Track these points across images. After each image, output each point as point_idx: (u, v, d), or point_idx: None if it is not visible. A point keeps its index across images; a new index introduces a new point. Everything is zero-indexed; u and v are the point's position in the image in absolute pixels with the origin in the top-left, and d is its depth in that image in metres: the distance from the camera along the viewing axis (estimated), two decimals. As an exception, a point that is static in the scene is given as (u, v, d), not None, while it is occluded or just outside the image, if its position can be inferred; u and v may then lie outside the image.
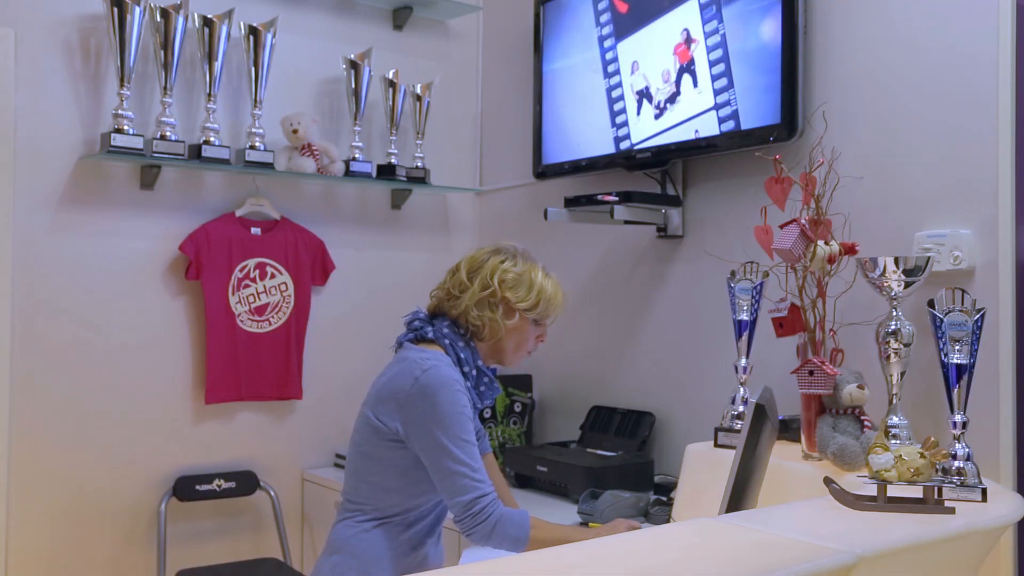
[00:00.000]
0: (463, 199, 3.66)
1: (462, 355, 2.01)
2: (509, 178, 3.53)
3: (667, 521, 2.38)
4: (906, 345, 1.93)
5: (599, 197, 2.76)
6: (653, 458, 2.83)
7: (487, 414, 3.13)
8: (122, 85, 2.79)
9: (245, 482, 3.11)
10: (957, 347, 1.73)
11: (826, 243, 2.07)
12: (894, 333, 1.93)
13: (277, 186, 3.21)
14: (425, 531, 2.04)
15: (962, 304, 1.73)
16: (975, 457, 1.74)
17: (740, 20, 2.54)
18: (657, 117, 2.78)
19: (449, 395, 1.92)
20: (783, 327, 2.15)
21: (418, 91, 3.36)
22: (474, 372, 2.03)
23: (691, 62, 2.66)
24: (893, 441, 1.89)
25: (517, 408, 3.22)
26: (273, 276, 3.14)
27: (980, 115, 2.11)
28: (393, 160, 3.31)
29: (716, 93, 2.61)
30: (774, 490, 1.95)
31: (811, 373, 2.01)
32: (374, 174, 3.28)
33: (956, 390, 1.74)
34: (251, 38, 2.99)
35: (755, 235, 2.20)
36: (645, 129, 2.82)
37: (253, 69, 3.02)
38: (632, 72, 2.84)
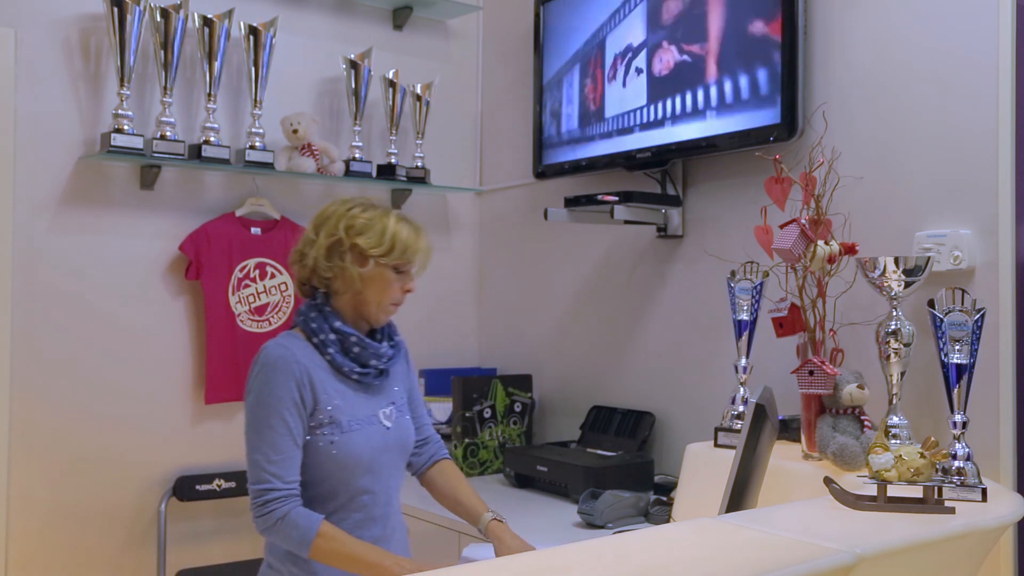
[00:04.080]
0: (463, 199, 3.66)
1: (313, 325, 1.89)
2: (509, 178, 3.53)
3: (667, 521, 2.38)
4: (906, 345, 1.93)
5: (599, 197, 2.76)
6: (653, 458, 2.83)
7: (487, 414, 3.13)
8: (122, 85, 2.78)
9: (245, 482, 3.09)
10: (957, 347, 1.73)
11: (826, 243, 2.07)
12: (894, 333, 1.93)
13: (277, 186, 3.21)
14: (353, 526, 1.88)
15: (962, 304, 1.73)
16: (975, 457, 1.74)
17: (741, 20, 2.55)
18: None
19: (263, 375, 1.83)
20: (783, 327, 2.15)
21: (418, 91, 3.36)
22: (333, 337, 1.89)
23: None
24: (893, 441, 1.89)
25: (517, 408, 3.21)
26: (273, 276, 3.14)
27: (980, 115, 2.11)
28: (393, 160, 3.31)
29: (712, 100, 2.62)
30: (774, 490, 1.94)
31: (811, 373, 2.01)
32: (374, 174, 3.28)
33: (956, 390, 1.74)
34: (251, 38, 2.99)
35: (755, 235, 2.21)
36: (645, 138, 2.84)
37: (253, 69, 3.02)
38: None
